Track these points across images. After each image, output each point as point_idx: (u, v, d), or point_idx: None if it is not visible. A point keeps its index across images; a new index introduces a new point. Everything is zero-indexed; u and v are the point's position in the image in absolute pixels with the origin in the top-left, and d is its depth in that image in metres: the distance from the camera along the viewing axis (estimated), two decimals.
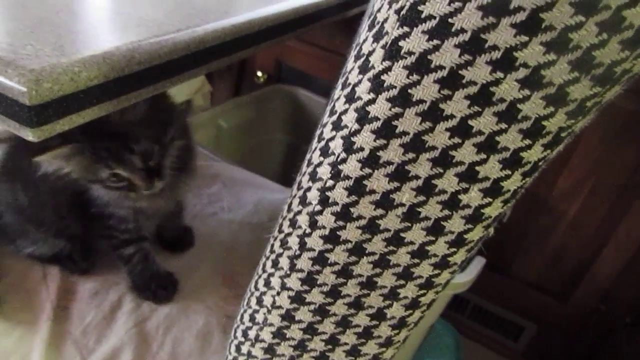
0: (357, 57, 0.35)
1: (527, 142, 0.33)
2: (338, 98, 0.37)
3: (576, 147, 1.10)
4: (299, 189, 0.41)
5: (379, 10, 0.34)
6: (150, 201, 0.66)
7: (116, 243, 0.71)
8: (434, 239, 0.37)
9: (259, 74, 1.44)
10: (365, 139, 0.35)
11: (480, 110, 0.32)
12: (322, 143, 0.38)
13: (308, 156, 0.41)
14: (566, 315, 1.27)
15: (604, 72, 0.31)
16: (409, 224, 0.37)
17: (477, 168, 0.34)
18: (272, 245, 0.44)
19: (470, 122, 0.32)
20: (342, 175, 0.37)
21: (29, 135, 0.37)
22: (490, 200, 0.36)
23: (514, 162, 0.34)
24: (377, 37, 0.34)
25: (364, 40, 0.35)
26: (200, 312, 0.70)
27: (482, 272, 0.92)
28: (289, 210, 0.42)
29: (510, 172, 0.34)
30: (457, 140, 0.33)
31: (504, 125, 0.32)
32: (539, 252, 1.25)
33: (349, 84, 0.36)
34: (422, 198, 0.36)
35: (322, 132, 0.39)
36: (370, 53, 0.34)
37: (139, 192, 0.60)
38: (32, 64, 0.37)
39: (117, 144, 0.56)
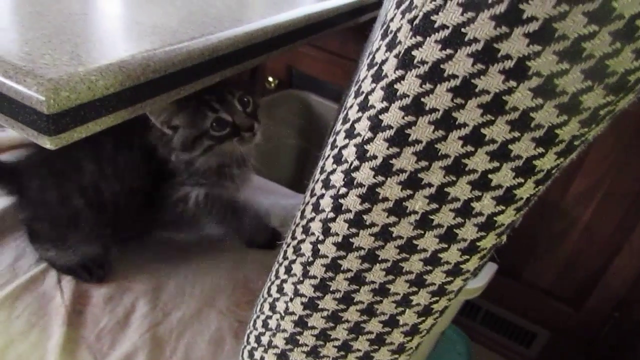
0: (370, 66, 0.36)
1: (540, 150, 0.33)
2: (351, 106, 0.37)
3: (589, 153, 1.09)
4: (312, 196, 0.41)
5: (392, 20, 0.34)
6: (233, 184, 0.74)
7: (190, 182, 0.72)
8: (446, 246, 0.37)
9: (270, 79, 1.45)
10: (378, 147, 0.35)
11: (493, 118, 0.32)
12: (335, 151, 0.38)
13: (321, 163, 0.41)
14: (579, 322, 1.25)
15: (617, 81, 0.31)
16: (422, 232, 0.37)
17: (490, 176, 0.34)
18: (285, 252, 0.45)
19: (483, 131, 0.32)
20: (355, 182, 0.37)
21: (47, 143, 0.38)
22: (503, 208, 0.36)
23: (527, 170, 0.34)
24: (390, 46, 0.34)
25: (377, 49, 0.35)
26: (213, 317, 0.70)
27: (494, 278, 0.91)
28: (302, 217, 0.42)
29: (523, 180, 0.34)
30: (470, 148, 0.33)
31: (517, 134, 0.32)
32: (551, 257, 1.23)
33: (362, 92, 0.36)
34: (434, 206, 0.36)
35: (335, 140, 0.39)
36: (384, 62, 0.34)
37: (240, 138, 0.65)
38: (50, 73, 0.38)
39: (219, 89, 0.63)
